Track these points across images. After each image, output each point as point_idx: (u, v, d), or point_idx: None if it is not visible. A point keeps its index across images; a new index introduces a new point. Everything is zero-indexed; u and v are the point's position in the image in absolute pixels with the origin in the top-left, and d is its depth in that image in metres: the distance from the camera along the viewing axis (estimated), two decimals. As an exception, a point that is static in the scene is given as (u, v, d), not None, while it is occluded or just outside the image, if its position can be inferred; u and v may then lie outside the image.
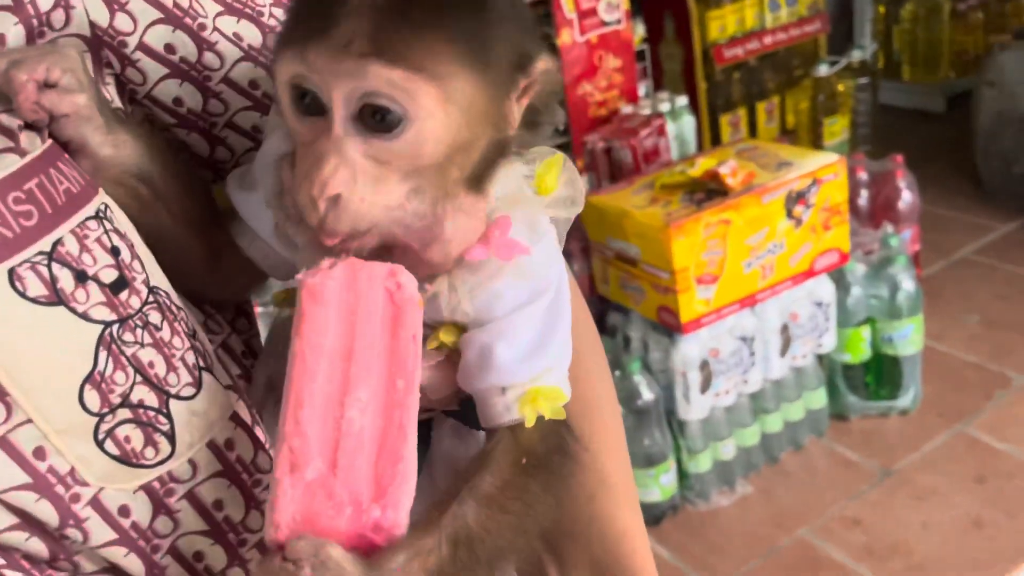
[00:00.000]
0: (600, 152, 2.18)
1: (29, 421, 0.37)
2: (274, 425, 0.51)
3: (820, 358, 2.07)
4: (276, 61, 0.40)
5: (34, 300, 0.37)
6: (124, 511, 0.41)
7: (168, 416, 0.42)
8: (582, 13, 2.33)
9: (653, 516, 1.92)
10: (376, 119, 0.38)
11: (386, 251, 0.42)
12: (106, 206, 0.42)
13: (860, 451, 2.04)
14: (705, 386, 1.85)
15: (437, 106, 0.38)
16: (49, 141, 0.40)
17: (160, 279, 0.44)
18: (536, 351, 0.45)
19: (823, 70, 3.09)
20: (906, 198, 2.37)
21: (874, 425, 2.11)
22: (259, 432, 0.48)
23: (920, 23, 3.54)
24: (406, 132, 0.38)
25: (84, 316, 0.39)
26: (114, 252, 0.41)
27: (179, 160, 0.48)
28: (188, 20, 0.46)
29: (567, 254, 1.99)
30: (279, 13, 0.52)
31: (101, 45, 0.44)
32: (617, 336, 1.96)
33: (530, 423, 0.44)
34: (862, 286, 2.01)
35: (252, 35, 0.50)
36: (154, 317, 0.42)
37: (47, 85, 0.39)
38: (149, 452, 0.41)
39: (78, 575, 0.41)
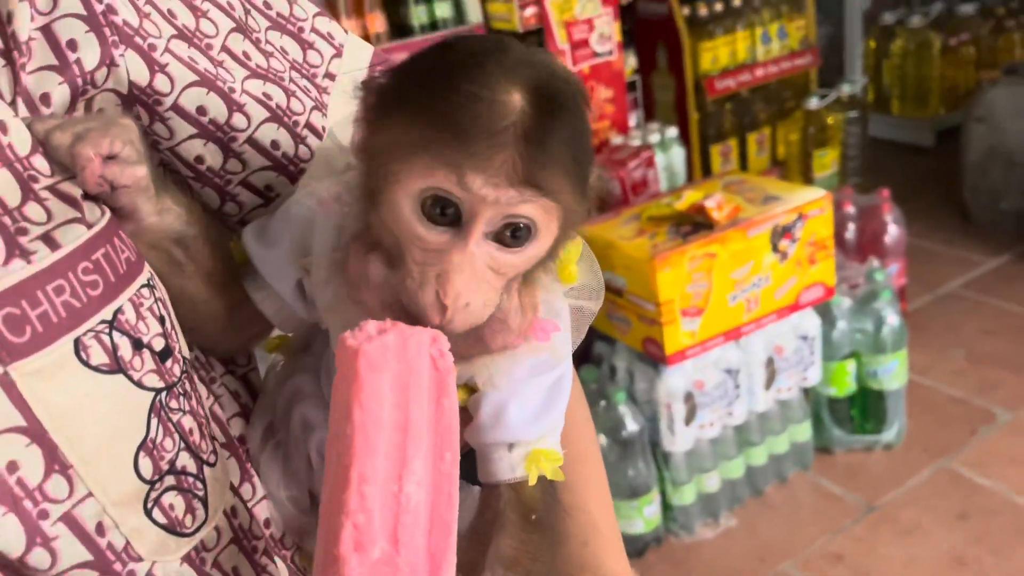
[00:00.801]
0: (589, 182, 2.19)
1: (91, 495, 0.37)
2: (272, 473, 0.51)
3: (806, 391, 2.08)
4: (400, 161, 0.40)
5: (96, 368, 0.38)
6: None
7: (204, 482, 0.43)
8: (574, 44, 2.36)
9: (636, 548, 1.92)
10: (510, 237, 0.41)
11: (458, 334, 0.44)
12: (151, 274, 0.44)
13: (844, 485, 2.04)
14: (690, 418, 1.85)
15: (555, 225, 0.42)
16: (108, 211, 0.41)
17: (186, 349, 0.45)
18: (542, 415, 0.48)
19: (814, 103, 3.12)
20: (892, 232, 2.39)
21: (859, 459, 2.11)
22: (243, 493, 0.49)
23: (910, 58, 3.58)
24: (529, 248, 0.42)
25: (139, 384, 0.40)
26: (161, 320, 0.42)
27: (212, 223, 0.49)
28: (219, 83, 0.48)
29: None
30: (297, 78, 0.53)
31: (134, 101, 0.45)
32: (603, 366, 1.97)
33: (532, 481, 0.47)
34: (847, 320, 2.02)
35: (279, 96, 0.51)
36: (189, 385, 0.43)
37: (109, 157, 0.40)
38: (188, 519, 0.41)
39: None
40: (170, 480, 0.40)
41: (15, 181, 0.36)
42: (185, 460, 0.42)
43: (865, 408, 2.12)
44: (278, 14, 0.54)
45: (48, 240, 0.37)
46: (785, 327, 1.92)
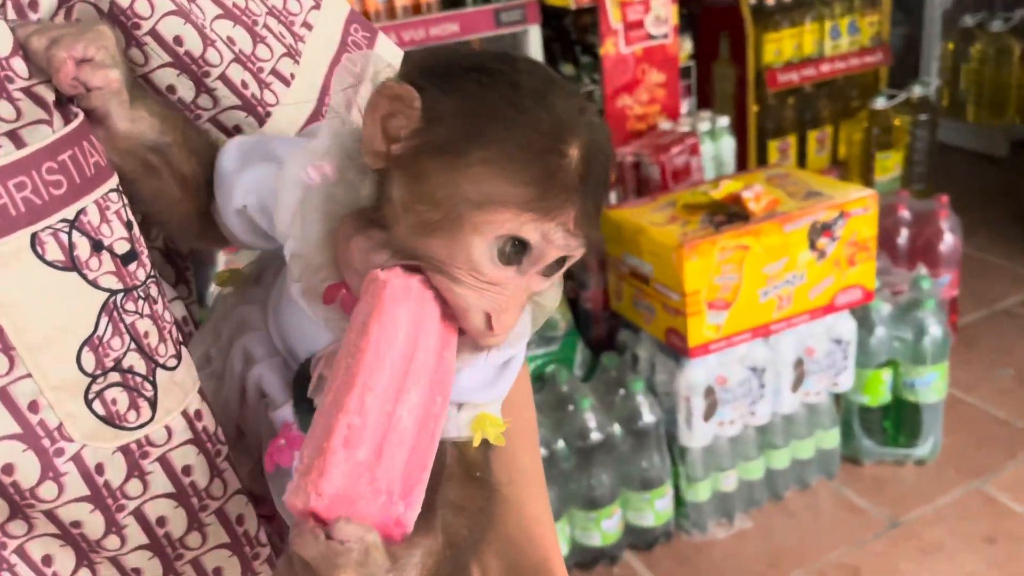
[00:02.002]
0: (629, 166, 2.15)
1: (28, 376, 0.40)
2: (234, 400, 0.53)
3: (836, 397, 2.01)
4: (489, 217, 0.42)
5: (51, 264, 0.40)
6: (100, 469, 0.43)
7: (153, 384, 0.45)
8: (628, 24, 2.31)
9: (645, 541, 1.88)
10: (552, 268, 0.45)
11: None
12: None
13: (869, 498, 1.96)
14: (709, 413, 1.80)
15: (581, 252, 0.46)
16: (81, 115, 0.43)
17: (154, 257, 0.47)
18: (490, 385, 0.52)
19: (880, 103, 3.00)
20: (948, 241, 2.28)
21: (888, 473, 2.03)
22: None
23: (989, 63, 3.42)
24: (558, 273, 0.46)
25: (93, 283, 0.42)
26: (128, 226, 0.44)
27: (191, 131, 0.50)
28: (194, 17, 0.49)
29: (582, 265, 1.97)
30: (273, 24, 0.54)
31: (113, 21, 0.46)
32: (626, 354, 1.93)
33: (477, 442, 0.50)
34: (887, 327, 1.94)
35: (243, 41, 0.52)
36: (153, 290, 0.45)
37: (83, 60, 0.42)
38: (132, 415, 0.44)
39: (31, 533, 0.43)
40: (115, 377, 0.43)
41: None
42: (134, 360, 0.44)
43: (899, 420, 2.03)
44: None
45: (14, 137, 0.39)
46: (818, 328, 1.85)
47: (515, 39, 2.32)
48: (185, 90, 0.50)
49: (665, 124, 2.35)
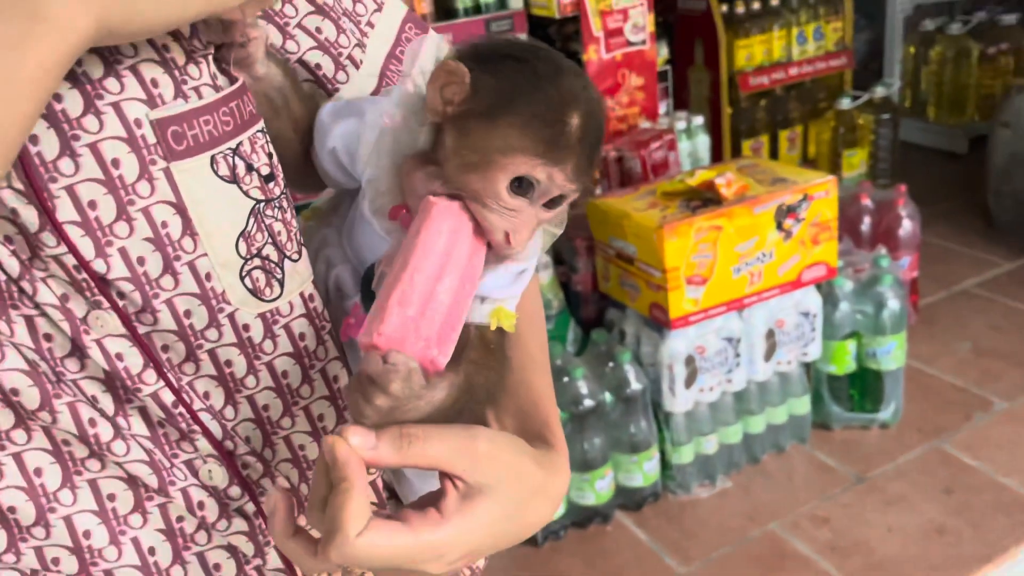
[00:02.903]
0: (612, 160, 2.33)
1: (205, 254, 0.55)
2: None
3: (807, 367, 2.19)
4: (512, 160, 0.59)
5: (221, 177, 0.57)
6: (246, 328, 0.60)
7: (282, 269, 0.62)
8: (608, 32, 2.49)
9: (635, 501, 2.05)
10: (552, 202, 0.59)
11: None
12: (263, 124, 0.63)
13: (838, 458, 2.15)
14: (690, 381, 1.98)
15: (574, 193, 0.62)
16: (240, 80, 0.61)
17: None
18: (508, 286, 0.67)
19: (845, 103, 3.20)
20: (906, 226, 2.48)
21: (855, 436, 2.21)
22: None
23: (948, 65, 3.64)
24: (558, 208, 0.60)
25: (246, 193, 0.59)
26: (270, 156, 0.61)
27: (300, 85, 0.68)
28: (277, 19, 0.67)
29: (573, 250, 2.13)
30: (346, 22, 0.71)
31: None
32: (614, 330, 2.10)
33: (493, 327, 0.65)
34: (849, 301, 2.13)
35: (329, 30, 0.70)
36: (285, 203, 0.63)
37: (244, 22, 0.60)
38: (268, 291, 0.61)
39: (198, 372, 0.59)
40: (257, 262, 0.60)
41: (182, 51, 0.56)
42: (270, 251, 0.61)
43: (864, 387, 2.22)
44: None
45: (198, 91, 0.56)
46: (787, 302, 2.04)
47: (504, 47, 2.50)
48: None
49: (645, 124, 2.54)
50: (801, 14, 3.21)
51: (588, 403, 1.91)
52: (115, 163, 0.52)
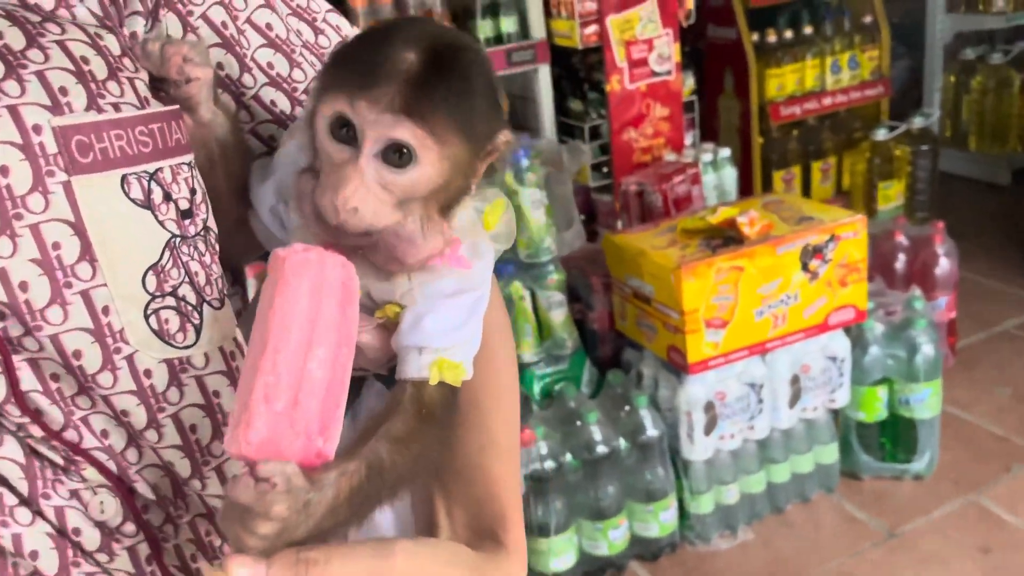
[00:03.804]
0: (632, 194, 2.26)
1: (105, 285, 0.50)
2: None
3: (835, 414, 2.09)
4: (322, 95, 0.53)
5: (133, 200, 0.52)
6: (147, 373, 0.54)
7: (200, 314, 0.56)
8: (633, 63, 2.43)
9: (651, 551, 1.96)
10: (393, 157, 0.52)
11: (373, 247, 0.56)
12: (193, 161, 0.59)
13: (868, 510, 2.04)
14: (710, 428, 1.89)
15: (436, 158, 0.53)
16: (176, 107, 0.57)
17: (214, 225, 0.59)
18: (453, 330, 0.59)
19: (882, 134, 3.10)
20: (943, 265, 2.37)
21: (886, 486, 2.10)
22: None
23: (989, 95, 3.52)
24: (411, 171, 0.52)
25: (161, 223, 0.53)
26: (192, 192, 0.56)
27: (243, 139, 0.64)
28: (237, 48, 0.63)
29: (589, 287, 2.06)
30: (307, 54, 0.67)
31: None
32: (631, 372, 2.03)
33: (433, 382, 0.57)
34: (880, 345, 2.03)
35: (281, 65, 0.66)
36: (200, 245, 0.57)
37: (186, 58, 0.56)
38: (179, 336, 0.55)
39: (93, 408, 0.53)
40: (170, 301, 0.54)
41: (106, 66, 0.52)
42: (186, 291, 0.55)
43: (896, 436, 2.11)
44: (298, 6, 0.69)
45: (116, 107, 0.52)
46: (813, 346, 1.94)
47: (525, 77, 2.46)
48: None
49: (670, 156, 2.46)
50: (836, 43, 3.12)
51: (602, 449, 1.83)
52: (3, 171, 0.47)
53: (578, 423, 1.85)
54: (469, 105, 0.53)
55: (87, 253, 0.49)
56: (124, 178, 0.51)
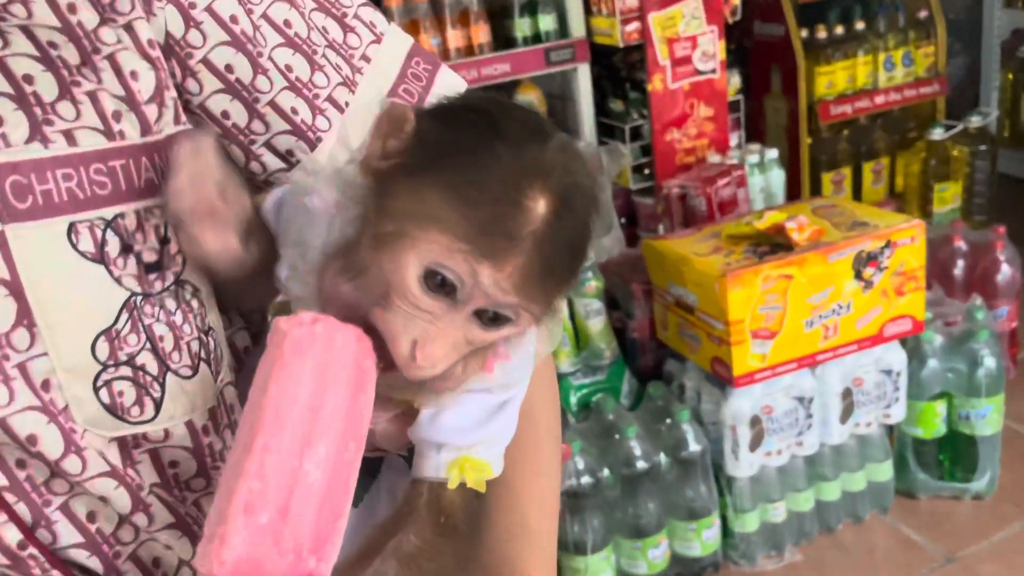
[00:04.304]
0: (675, 197, 2.18)
1: (45, 354, 0.43)
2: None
3: (889, 430, 1.98)
4: (425, 238, 0.43)
5: (81, 253, 0.44)
6: (102, 454, 0.46)
7: (162, 386, 0.47)
8: (676, 61, 2.35)
9: (692, 572, 1.88)
10: (489, 319, 0.44)
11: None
12: None
13: (925, 533, 1.93)
14: (755, 443, 1.80)
15: (530, 320, 0.46)
16: (159, 135, 0.47)
17: (196, 279, 0.50)
18: (477, 427, 0.50)
19: (938, 133, 2.97)
20: (1005, 272, 2.24)
21: (944, 507, 1.99)
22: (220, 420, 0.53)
23: (1052, 92, 3.36)
24: (500, 331, 0.45)
25: (117, 280, 0.45)
26: (163, 241, 0.47)
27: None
28: (249, 46, 0.53)
29: (629, 295, 1.98)
30: (331, 55, 0.57)
31: (171, 54, 0.51)
32: (672, 384, 1.94)
33: (452, 485, 0.49)
34: (939, 358, 1.92)
35: (301, 68, 0.56)
36: (170, 303, 0.48)
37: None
38: (135, 410, 0.46)
39: (72, 491, 0.45)
40: (126, 371, 0.45)
41: (55, 81, 0.43)
42: (146, 359, 0.46)
43: (955, 453, 1.99)
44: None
45: (68, 136, 0.43)
46: (866, 359, 1.84)
47: (564, 77, 2.38)
48: (238, 116, 0.54)
49: (714, 157, 2.37)
50: (889, 39, 2.99)
51: (641, 464, 1.75)
52: None
53: (617, 437, 1.77)
54: (581, 257, 0.46)
55: (24, 317, 0.42)
56: (72, 227, 0.43)
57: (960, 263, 2.29)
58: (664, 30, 2.31)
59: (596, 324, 1.92)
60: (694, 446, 1.78)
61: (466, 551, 0.50)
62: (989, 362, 1.90)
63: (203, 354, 0.50)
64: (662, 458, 1.78)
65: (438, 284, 0.43)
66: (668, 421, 1.81)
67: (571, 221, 0.43)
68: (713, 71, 2.39)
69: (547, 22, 2.32)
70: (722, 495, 1.87)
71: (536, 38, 2.30)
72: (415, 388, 0.48)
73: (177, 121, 0.50)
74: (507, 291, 0.42)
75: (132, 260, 0.46)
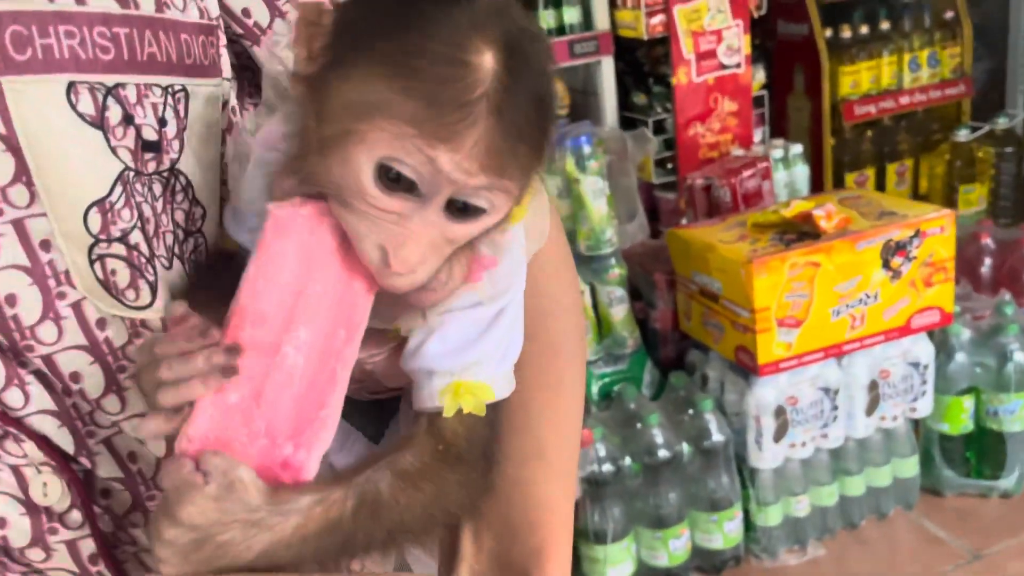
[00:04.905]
0: (699, 189, 2.16)
1: (44, 215, 0.41)
2: None
3: (915, 424, 1.95)
4: (371, 131, 0.38)
5: (80, 115, 0.41)
6: (101, 324, 0.44)
7: (154, 271, 0.45)
8: (700, 55, 2.34)
9: (713, 564, 1.85)
10: (461, 209, 0.40)
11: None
12: (187, 95, 0.46)
13: (951, 530, 1.89)
14: (780, 434, 1.77)
15: (506, 204, 0.41)
16: (172, 15, 0.44)
17: (192, 172, 0.47)
18: (468, 347, 0.46)
19: (963, 135, 2.94)
20: (1034, 270, 2.21)
21: (970, 505, 1.95)
22: None
23: (1079, 96, 3.32)
24: (481, 220, 0.41)
25: (114, 151, 0.43)
26: (161, 122, 0.45)
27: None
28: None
29: (652, 285, 1.96)
30: None
31: None
32: (695, 374, 1.92)
33: (448, 413, 0.45)
34: (967, 352, 1.89)
35: None
36: (156, 187, 0.46)
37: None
38: (131, 294, 0.44)
39: (26, 359, 0.43)
40: (119, 248, 0.43)
41: None
42: (139, 239, 0.44)
43: (982, 450, 1.96)
44: None
45: None
46: (893, 351, 1.81)
47: (588, 70, 2.38)
48: (259, 13, 0.53)
49: (737, 152, 2.36)
50: (914, 39, 2.97)
51: (663, 453, 1.73)
52: None
53: (639, 425, 1.75)
54: (549, 118, 0.40)
55: (23, 174, 0.40)
56: (72, 86, 0.40)
57: (987, 261, 2.26)
58: (689, 23, 2.30)
59: (618, 312, 1.91)
60: (717, 436, 1.76)
61: (478, 481, 0.46)
62: (1019, 357, 1.87)
63: (177, 250, 0.47)
64: (684, 448, 1.76)
65: (394, 180, 0.38)
66: (690, 411, 1.79)
67: (526, 73, 0.38)
68: (738, 65, 2.38)
69: (571, 14, 2.32)
70: (745, 488, 1.84)
71: (560, 30, 2.29)
72: (402, 311, 0.45)
73: (189, 6, 0.48)
74: (472, 172, 0.38)
75: (132, 133, 0.43)
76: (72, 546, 0.46)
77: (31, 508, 0.45)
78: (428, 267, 0.41)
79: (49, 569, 0.46)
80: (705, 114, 2.38)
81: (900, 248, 1.73)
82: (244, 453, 0.38)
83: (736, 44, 2.36)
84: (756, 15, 2.41)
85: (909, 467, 1.92)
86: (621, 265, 1.91)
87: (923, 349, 1.84)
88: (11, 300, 0.41)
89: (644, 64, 2.61)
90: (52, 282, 0.42)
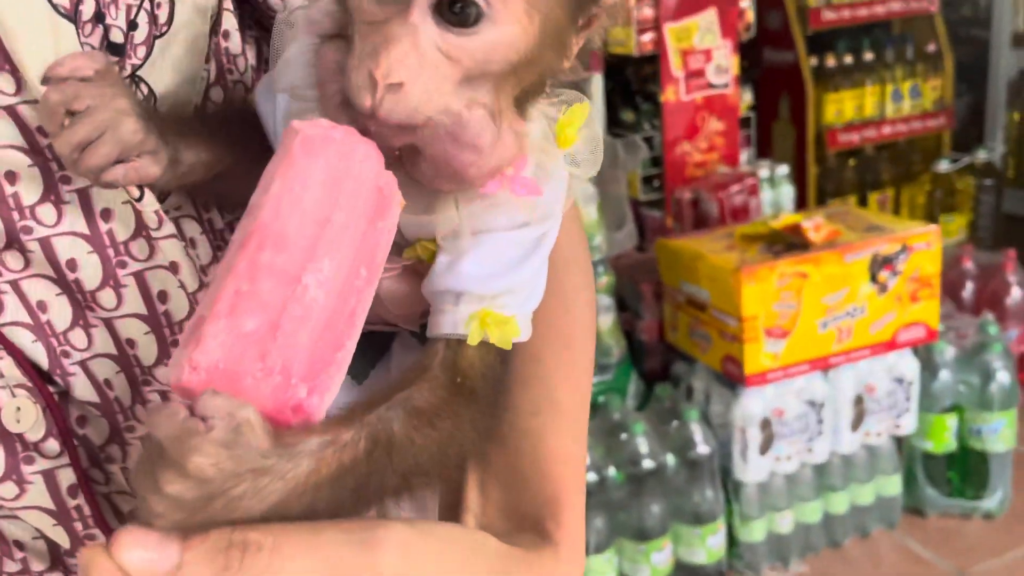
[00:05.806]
0: (687, 202, 2.16)
1: (36, 101, 0.39)
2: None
3: (899, 442, 1.94)
4: None
5: (55, 6, 0.40)
6: (106, 215, 0.42)
7: None
8: (689, 73, 2.35)
9: (696, 580, 1.82)
10: (457, 11, 0.36)
11: (416, 154, 0.39)
12: (172, 2, 0.45)
13: (933, 550, 1.88)
14: (765, 447, 1.76)
15: (521, 14, 0.37)
16: None
17: (161, 79, 0.45)
18: (504, 273, 0.43)
19: (944, 166, 2.98)
20: (1015, 295, 2.23)
21: (953, 525, 1.94)
22: None
23: (1056, 133, 3.39)
24: (483, 32, 0.36)
25: (82, 46, 0.42)
26: (131, 26, 0.44)
27: (236, 116, 0.48)
28: None
29: (639, 296, 1.95)
30: None
31: None
32: (680, 386, 1.90)
33: (472, 342, 0.41)
34: (951, 370, 1.89)
35: None
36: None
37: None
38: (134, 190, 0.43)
39: (27, 269, 0.41)
40: None
41: None
42: None
43: (965, 470, 1.95)
44: None
45: None
46: (879, 366, 1.81)
47: (577, 86, 2.38)
48: None
49: (724, 170, 2.37)
50: (897, 70, 3.02)
51: (648, 464, 1.71)
52: None
53: (623, 436, 1.73)
54: None
55: (6, 63, 0.39)
56: None
57: (969, 285, 2.27)
58: (679, 41, 2.32)
59: (605, 321, 1.89)
60: (702, 447, 1.74)
61: (484, 422, 0.42)
62: (1002, 376, 1.87)
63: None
64: (669, 458, 1.73)
65: None
66: (676, 422, 1.77)
67: None
68: (726, 85, 2.40)
69: (563, 30, 2.33)
70: (728, 501, 1.82)
71: (551, 45, 2.30)
72: (439, 202, 0.41)
73: None
74: None
75: (100, 31, 0.42)
76: (49, 477, 0.43)
77: (4, 436, 0.42)
78: (419, 83, 0.36)
79: (20, 508, 0.43)
80: (692, 132, 2.39)
81: (887, 262, 1.73)
82: (255, 390, 0.34)
83: (725, 64, 2.38)
84: (744, 39, 2.44)
85: (892, 485, 1.91)
86: (609, 273, 1.90)
87: (908, 365, 1.83)
88: (11, 177, 0.40)
89: (632, 82, 2.63)
90: (54, 165, 0.41)
